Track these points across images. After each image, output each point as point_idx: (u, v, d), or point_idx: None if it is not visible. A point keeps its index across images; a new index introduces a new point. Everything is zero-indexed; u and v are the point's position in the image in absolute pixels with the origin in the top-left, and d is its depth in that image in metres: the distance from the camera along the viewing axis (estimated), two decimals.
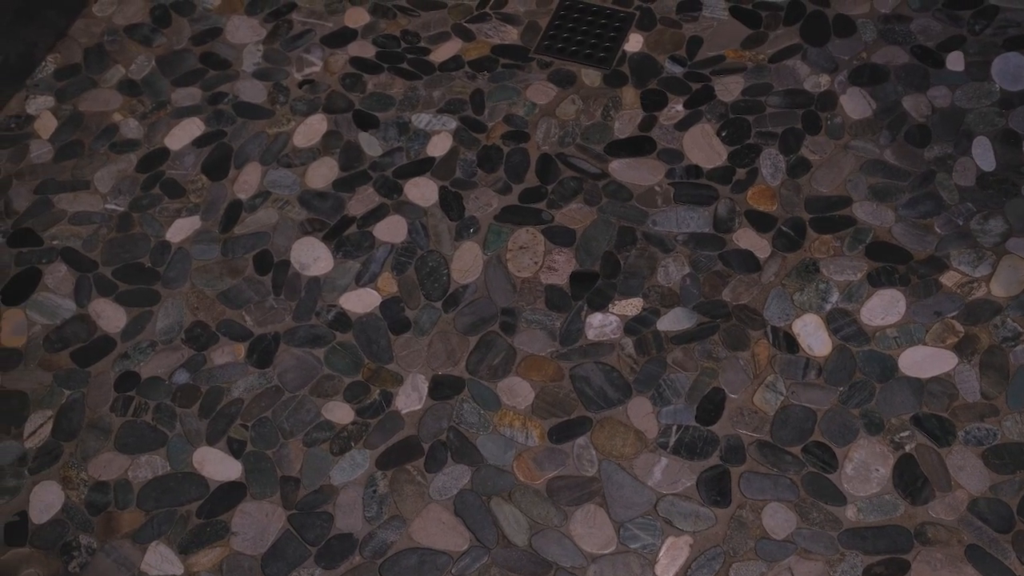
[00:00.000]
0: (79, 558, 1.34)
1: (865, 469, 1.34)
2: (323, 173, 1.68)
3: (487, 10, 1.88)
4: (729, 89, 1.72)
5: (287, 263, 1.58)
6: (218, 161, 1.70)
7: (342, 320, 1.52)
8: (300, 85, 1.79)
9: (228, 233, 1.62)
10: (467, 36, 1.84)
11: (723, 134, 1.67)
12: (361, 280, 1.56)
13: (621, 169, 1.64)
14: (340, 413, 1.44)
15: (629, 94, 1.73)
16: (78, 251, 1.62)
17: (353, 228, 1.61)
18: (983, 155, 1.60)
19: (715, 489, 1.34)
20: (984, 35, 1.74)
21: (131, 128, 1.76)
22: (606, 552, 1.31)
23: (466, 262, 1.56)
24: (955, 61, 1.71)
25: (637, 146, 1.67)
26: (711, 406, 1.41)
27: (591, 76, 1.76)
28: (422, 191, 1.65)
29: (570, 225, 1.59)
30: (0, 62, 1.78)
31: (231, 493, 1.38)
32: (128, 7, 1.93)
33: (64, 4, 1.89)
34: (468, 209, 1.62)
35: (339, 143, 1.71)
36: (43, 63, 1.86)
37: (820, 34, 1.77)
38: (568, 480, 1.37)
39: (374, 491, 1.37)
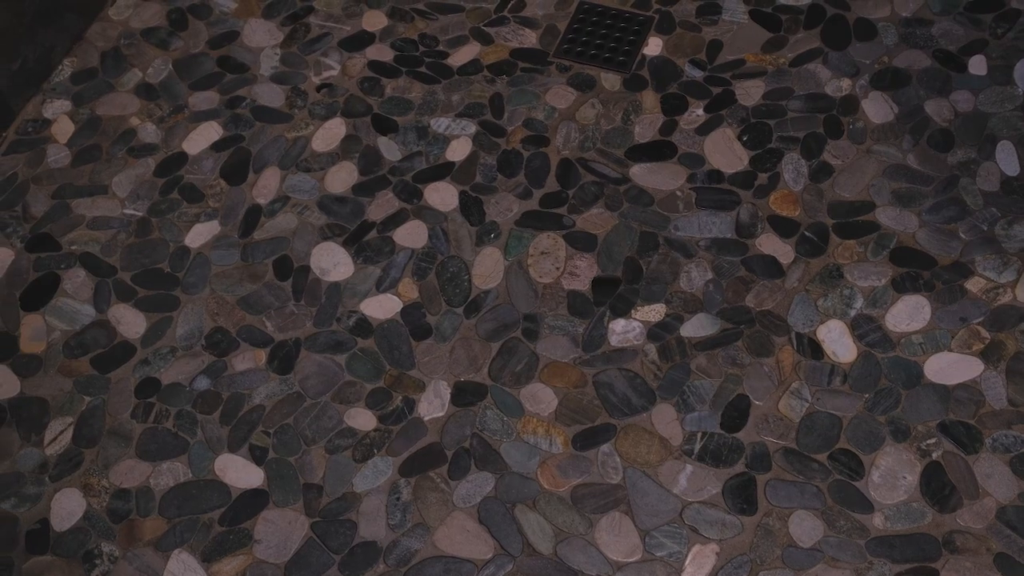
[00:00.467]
0: (101, 566, 1.34)
1: (892, 477, 1.33)
2: (342, 178, 1.67)
3: (505, 13, 1.87)
4: (750, 93, 1.71)
5: (307, 268, 1.57)
6: (237, 166, 1.70)
7: (363, 326, 1.51)
8: (318, 89, 1.78)
9: (247, 238, 1.61)
10: (485, 40, 1.83)
11: (744, 138, 1.66)
12: (382, 286, 1.55)
13: (642, 174, 1.63)
14: (362, 420, 1.43)
15: (649, 98, 1.73)
16: (97, 256, 1.61)
17: (373, 233, 1.60)
18: (1007, 160, 1.59)
19: (741, 497, 1.33)
20: (1006, 38, 1.73)
21: (149, 132, 1.75)
22: (632, 560, 1.30)
23: (487, 267, 1.55)
24: (977, 65, 1.70)
25: (658, 151, 1.66)
26: (736, 413, 1.40)
27: (611, 80, 1.76)
28: (442, 196, 1.64)
29: (591, 230, 1.58)
30: (17, 66, 1.78)
31: (254, 500, 1.37)
32: (145, 11, 1.92)
33: (81, 8, 1.89)
34: (488, 214, 1.61)
35: (358, 147, 1.70)
36: (60, 67, 1.85)
37: (841, 38, 1.77)
38: (593, 488, 1.36)
39: (397, 498, 1.36)
